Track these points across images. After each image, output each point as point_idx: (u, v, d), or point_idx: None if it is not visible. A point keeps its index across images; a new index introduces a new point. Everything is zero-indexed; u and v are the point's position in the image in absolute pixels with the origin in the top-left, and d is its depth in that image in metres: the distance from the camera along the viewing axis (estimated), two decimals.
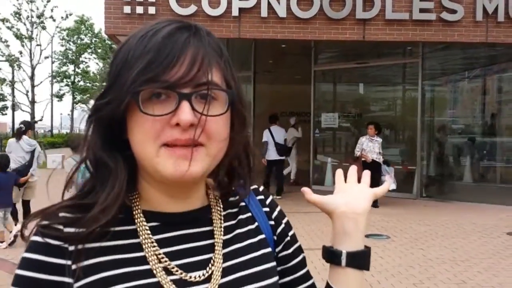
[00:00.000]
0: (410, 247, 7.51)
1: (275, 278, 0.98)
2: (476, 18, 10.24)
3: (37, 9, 32.87)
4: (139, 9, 10.10)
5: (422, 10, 10.20)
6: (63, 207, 0.87)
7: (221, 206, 1.00)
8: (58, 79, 42.38)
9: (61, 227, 0.84)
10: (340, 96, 15.73)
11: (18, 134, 9.05)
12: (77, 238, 0.83)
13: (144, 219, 0.90)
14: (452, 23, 10.25)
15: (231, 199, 1.03)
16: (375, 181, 9.04)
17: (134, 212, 0.90)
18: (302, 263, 1.08)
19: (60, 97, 43.04)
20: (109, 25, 10.30)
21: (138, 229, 0.88)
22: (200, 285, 0.88)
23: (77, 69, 43.82)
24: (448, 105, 14.96)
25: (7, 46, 32.85)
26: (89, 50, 43.04)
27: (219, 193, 1.02)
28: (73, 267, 0.82)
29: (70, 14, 35.56)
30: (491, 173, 13.68)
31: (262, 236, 1.02)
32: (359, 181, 1.08)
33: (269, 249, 1.01)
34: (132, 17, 10.12)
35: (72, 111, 49.51)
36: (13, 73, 34.42)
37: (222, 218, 0.98)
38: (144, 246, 0.87)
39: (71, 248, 0.83)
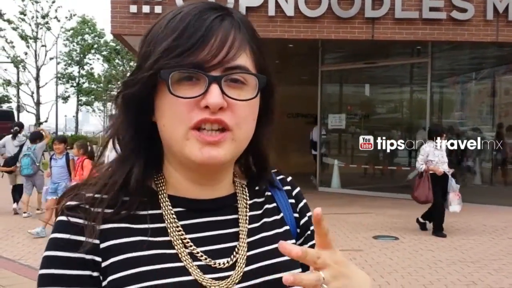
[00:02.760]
0: (419, 248, 7.45)
1: (299, 270, 0.95)
2: (487, 17, 10.17)
3: (42, 9, 32.93)
4: (145, 8, 10.05)
5: (432, 9, 10.13)
6: (89, 187, 0.88)
7: (247, 194, 0.99)
8: (63, 80, 42.45)
9: (87, 206, 0.85)
10: (347, 97, 15.60)
11: (14, 134, 11.09)
12: (105, 217, 0.84)
13: (169, 204, 0.90)
14: (462, 22, 10.17)
15: (257, 188, 1.02)
16: (443, 200, 8.23)
17: (160, 197, 0.90)
18: None
19: (65, 98, 43.10)
20: (115, 24, 10.28)
21: (164, 213, 0.89)
22: (225, 272, 0.88)
23: (81, 71, 43.91)
24: (457, 106, 14.84)
25: (13, 47, 32.90)
26: (93, 51, 43.08)
27: (245, 181, 1.02)
28: (102, 246, 0.83)
29: (74, 15, 35.57)
30: (501, 175, 13.55)
31: (287, 228, 1.01)
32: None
33: (293, 241, 1.00)
34: (138, 17, 10.09)
35: (76, 113, 49.60)
36: (18, 74, 34.47)
37: (248, 207, 0.98)
38: (169, 231, 0.87)
39: (99, 227, 0.84)
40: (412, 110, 14.73)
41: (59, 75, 40.98)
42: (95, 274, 0.83)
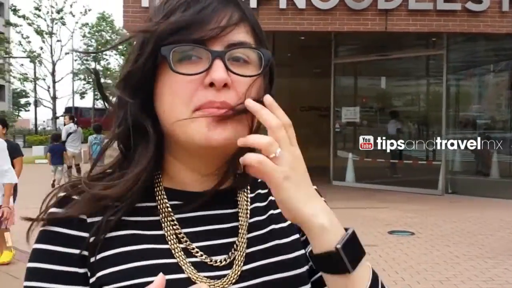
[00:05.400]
0: (435, 244, 7.35)
1: (304, 268, 0.89)
2: (502, 8, 10.06)
3: (56, 4, 33.29)
4: (157, 2, 9.99)
5: (446, 0, 10.01)
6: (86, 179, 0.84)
7: (249, 187, 0.93)
8: (80, 76, 42.80)
9: (79, 198, 0.82)
10: (361, 90, 15.42)
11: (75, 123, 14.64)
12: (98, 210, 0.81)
13: (165, 196, 0.85)
14: (477, 13, 10.04)
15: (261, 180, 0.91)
16: None
17: (155, 189, 0.86)
18: None
19: (81, 94, 43.58)
20: (127, 19, 10.26)
21: (159, 206, 0.84)
22: (222, 270, 0.82)
23: (98, 66, 44.19)
24: (474, 99, 14.62)
25: (29, 42, 33.29)
26: (109, 46, 43.21)
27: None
28: (91, 240, 0.79)
29: (89, 10, 35.89)
30: None
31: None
32: None
33: (297, 236, 0.92)
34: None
35: (93, 107, 50.04)
36: (34, 69, 34.84)
37: (249, 200, 0.91)
38: (163, 225, 0.83)
39: (90, 220, 0.80)
40: (428, 103, 14.55)
41: (75, 70, 41.34)
42: (82, 270, 0.79)
